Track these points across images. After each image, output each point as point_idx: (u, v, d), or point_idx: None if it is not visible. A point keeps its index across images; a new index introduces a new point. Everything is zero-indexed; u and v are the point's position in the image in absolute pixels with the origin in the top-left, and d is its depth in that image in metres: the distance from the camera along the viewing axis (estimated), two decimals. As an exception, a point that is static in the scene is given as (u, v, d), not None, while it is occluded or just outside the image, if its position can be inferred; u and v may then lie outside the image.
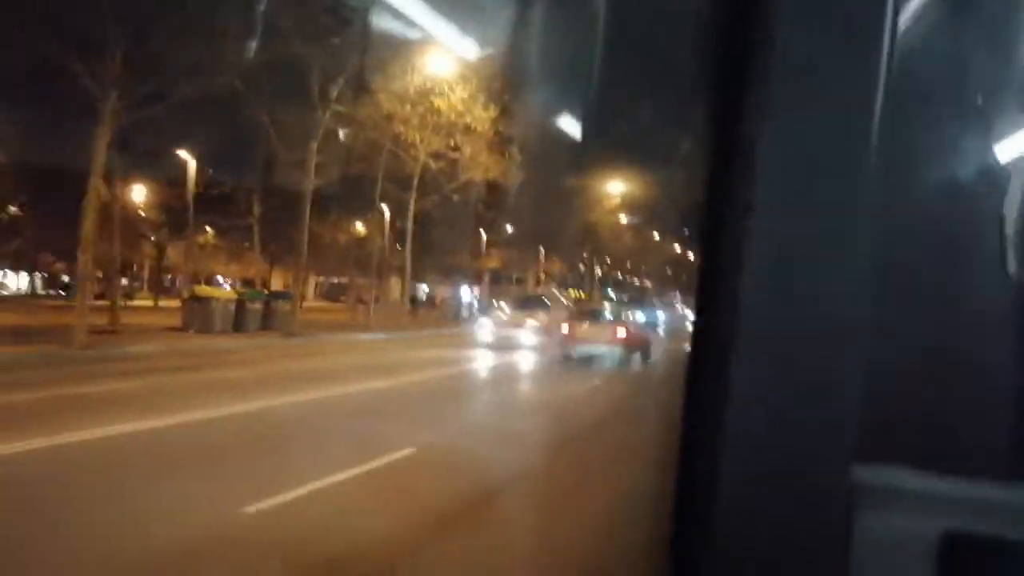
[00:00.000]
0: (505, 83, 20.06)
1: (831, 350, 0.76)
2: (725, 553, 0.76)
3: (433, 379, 11.26)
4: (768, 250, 0.77)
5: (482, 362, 15.46)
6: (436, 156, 22.49)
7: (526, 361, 15.85)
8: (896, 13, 0.78)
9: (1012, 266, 0.85)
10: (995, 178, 0.87)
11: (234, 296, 18.13)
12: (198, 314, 16.58)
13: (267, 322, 17.93)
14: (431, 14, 16.05)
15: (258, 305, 17.88)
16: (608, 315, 16.83)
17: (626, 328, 15.25)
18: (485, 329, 20.64)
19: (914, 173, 0.89)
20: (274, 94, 17.28)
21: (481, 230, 39.93)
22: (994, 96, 0.89)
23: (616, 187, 38.57)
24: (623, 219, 48.71)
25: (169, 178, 24.76)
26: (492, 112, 21.10)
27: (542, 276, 47.94)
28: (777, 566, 0.75)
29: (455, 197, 25.09)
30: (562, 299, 33.67)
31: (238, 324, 16.89)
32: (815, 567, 0.75)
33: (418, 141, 21.14)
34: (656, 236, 59.40)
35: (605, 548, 3.20)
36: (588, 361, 14.21)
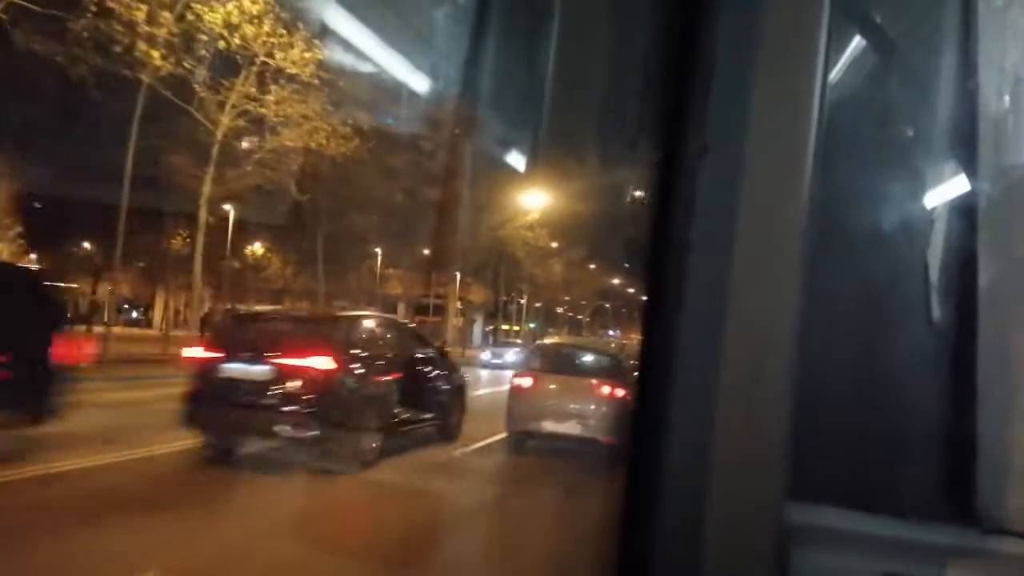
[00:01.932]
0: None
1: (763, 391, 0.84)
2: None
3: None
4: (704, 289, 0.85)
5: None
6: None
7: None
8: (826, 65, 0.88)
9: (936, 312, 0.95)
10: (920, 226, 0.98)
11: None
12: None
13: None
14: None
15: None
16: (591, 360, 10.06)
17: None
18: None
19: (842, 221, 0.98)
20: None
21: (378, 249, 35.30)
22: (920, 146, 1.00)
23: (535, 200, 35.00)
24: (553, 244, 48.28)
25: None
26: (312, 53, 17.18)
27: (458, 305, 44.57)
28: None
29: (267, 171, 19.39)
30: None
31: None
32: None
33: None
34: (592, 267, 59.94)
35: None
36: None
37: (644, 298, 0.95)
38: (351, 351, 7.66)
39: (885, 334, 0.99)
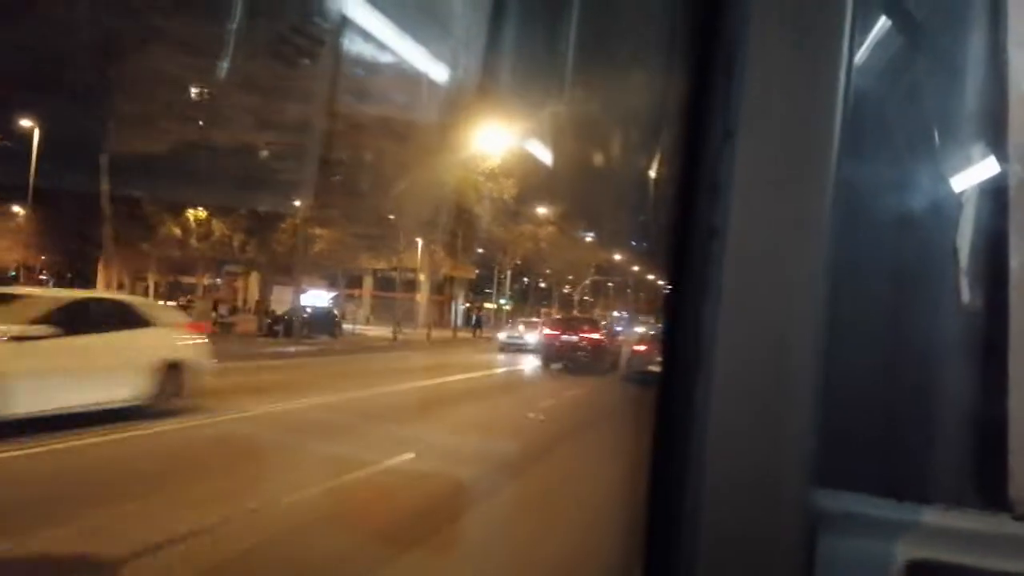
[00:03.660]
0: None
1: (790, 376, 0.90)
2: (692, 573, 0.90)
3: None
4: (731, 274, 0.91)
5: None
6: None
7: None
8: (852, 48, 0.93)
9: (965, 296, 1.01)
10: (949, 209, 1.03)
11: None
12: None
13: None
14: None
15: None
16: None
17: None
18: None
19: (869, 204, 1.04)
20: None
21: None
22: (948, 129, 1.05)
23: (494, 140, 29.22)
24: (540, 210, 41.90)
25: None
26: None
27: (420, 278, 41.25)
28: None
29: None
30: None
31: None
32: None
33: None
34: (588, 239, 54.44)
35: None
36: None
37: (667, 283, 1.04)
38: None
39: (913, 318, 1.04)
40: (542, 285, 60.23)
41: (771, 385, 0.91)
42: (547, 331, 25.09)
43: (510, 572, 5.31)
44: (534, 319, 39.65)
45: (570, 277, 58.93)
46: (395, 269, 38.73)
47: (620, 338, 25.99)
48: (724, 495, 0.91)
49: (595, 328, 24.25)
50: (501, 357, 26.97)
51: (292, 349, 24.32)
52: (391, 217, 33.39)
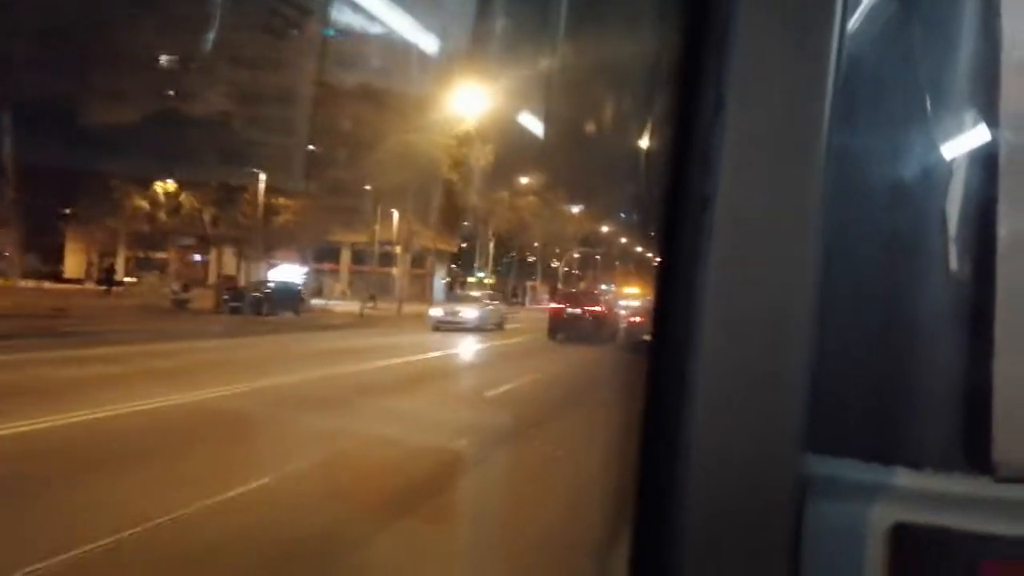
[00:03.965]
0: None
1: (781, 344, 0.93)
2: (682, 540, 0.93)
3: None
4: (723, 245, 0.93)
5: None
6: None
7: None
8: (845, 15, 0.94)
9: (954, 263, 1.03)
10: (939, 177, 1.05)
11: None
12: None
13: None
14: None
15: None
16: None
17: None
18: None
19: (862, 170, 1.06)
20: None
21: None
22: (940, 96, 1.06)
23: (471, 103, 28.96)
24: (523, 181, 41.61)
25: None
26: None
27: (398, 250, 39.19)
28: (731, 555, 0.92)
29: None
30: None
31: None
32: (767, 555, 0.93)
33: None
34: (574, 210, 54.10)
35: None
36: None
37: (656, 254, 1.07)
38: None
39: (903, 285, 1.07)
40: (531, 259, 59.67)
41: (763, 353, 0.94)
42: (553, 305, 28.32)
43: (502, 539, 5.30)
44: (474, 292, 37.13)
45: (557, 250, 57.27)
46: (371, 243, 37.61)
47: (619, 311, 27.02)
48: (714, 461, 0.94)
49: (596, 302, 27.28)
50: (438, 338, 24.30)
51: (218, 328, 22.85)
52: (367, 188, 32.62)
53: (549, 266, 60.96)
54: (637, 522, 1.00)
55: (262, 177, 29.11)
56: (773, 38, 0.94)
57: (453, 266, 50.70)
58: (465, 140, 32.78)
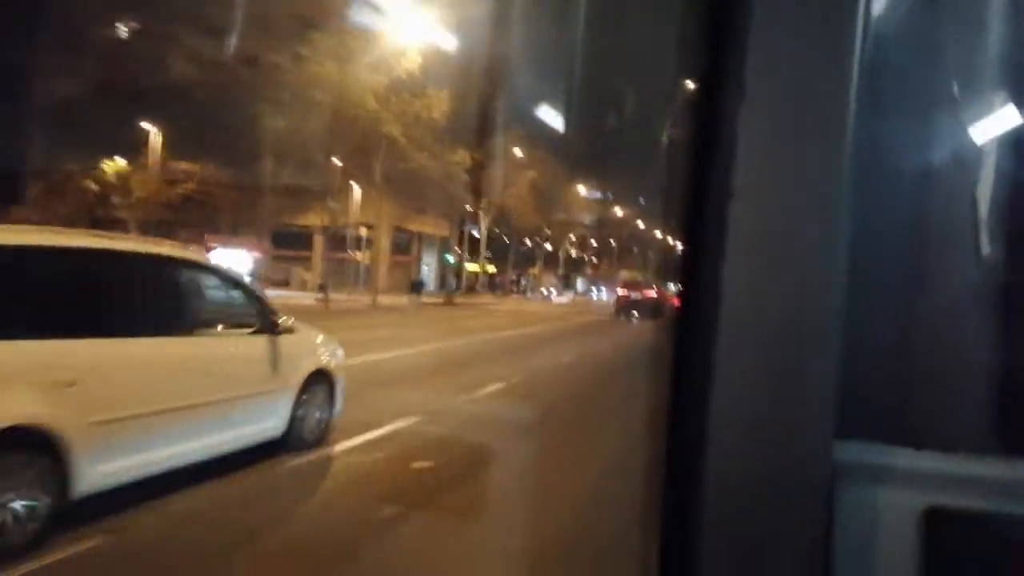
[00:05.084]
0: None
1: (809, 331, 0.97)
2: (713, 528, 0.98)
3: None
4: (748, 234, 0.97)
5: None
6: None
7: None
8: (868, 1, 0.98)
9: (984, 248, 1.06)
10: (968, 162, 1.08)
11: None
12: None
13: None
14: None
15: None
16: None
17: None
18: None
19: (889, 157, 1.09)
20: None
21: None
22: (967, 79, 1.08)
23: (411, 33, 22.81)
24: (518, 152, 39.85)
25: None
26: None
27: (360, 233, 33.15)
28: (762, 541, 0.97)
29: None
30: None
31: None
32: (800, 542, 0.98)
33: None
34: (583, 191, 52.64)
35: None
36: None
37: (683, 242, 1.14)
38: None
39: (934, 269, 1.10)
40: (544, 243, 55.61)
41: (792, 340, 0.98)
42: (619, 292, 40.67)
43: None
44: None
45: (571, 236, 54.65)
46: (331, 225, 33.19)
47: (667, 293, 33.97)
48: (746, 450, 0.98)
49: (650, 288, 38.70)
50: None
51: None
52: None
53: (548, 252, 59.02)
54: (666, 509, 1.05)
55: (153, 132, 23.34)
56: (796, 28, 0.97)
57: (457, 253, 48.68)
58: (412, 83, 25.17)
